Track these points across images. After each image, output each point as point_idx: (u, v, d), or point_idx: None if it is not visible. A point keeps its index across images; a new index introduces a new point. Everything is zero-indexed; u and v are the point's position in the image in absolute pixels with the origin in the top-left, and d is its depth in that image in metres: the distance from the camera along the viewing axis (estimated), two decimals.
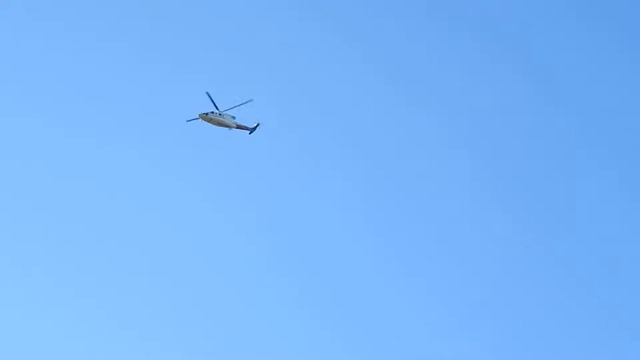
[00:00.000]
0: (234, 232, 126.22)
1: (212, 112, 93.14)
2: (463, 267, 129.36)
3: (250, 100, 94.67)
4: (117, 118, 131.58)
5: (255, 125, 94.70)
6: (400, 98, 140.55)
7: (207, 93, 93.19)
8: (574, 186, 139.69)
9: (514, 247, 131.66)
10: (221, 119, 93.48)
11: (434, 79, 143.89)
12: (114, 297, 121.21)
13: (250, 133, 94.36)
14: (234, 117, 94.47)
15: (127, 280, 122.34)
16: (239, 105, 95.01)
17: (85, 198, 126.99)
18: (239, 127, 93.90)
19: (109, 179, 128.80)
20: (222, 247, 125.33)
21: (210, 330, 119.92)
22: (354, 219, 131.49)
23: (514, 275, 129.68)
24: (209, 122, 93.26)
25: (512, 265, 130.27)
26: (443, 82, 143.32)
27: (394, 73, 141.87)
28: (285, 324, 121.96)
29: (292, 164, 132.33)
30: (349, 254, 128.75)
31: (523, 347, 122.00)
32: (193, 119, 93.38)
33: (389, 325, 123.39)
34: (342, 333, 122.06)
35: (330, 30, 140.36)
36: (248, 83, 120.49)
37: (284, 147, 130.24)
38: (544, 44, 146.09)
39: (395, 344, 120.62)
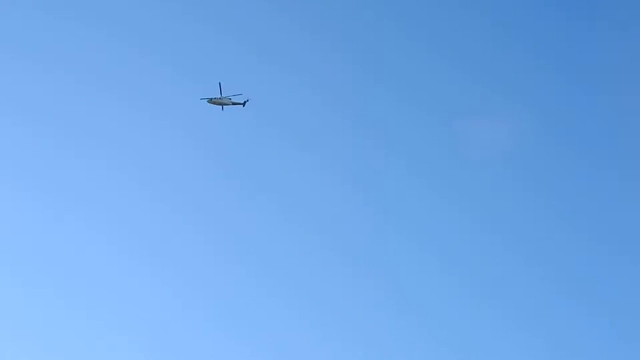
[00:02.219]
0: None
1: (215, 98, 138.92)
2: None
3: (247, 100, 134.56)
4: None
5: (245, 100, 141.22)
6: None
7: (219, 83, 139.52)
8: None
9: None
10: (222, 100, 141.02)
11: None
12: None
13: (243, 106, 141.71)
14: (230, 99, 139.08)
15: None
16: (237, 103, 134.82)
17: None
18: (234, 104, 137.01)
19: None
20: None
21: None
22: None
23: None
24: (213, 103, 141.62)
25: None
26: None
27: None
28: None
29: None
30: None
31: None
32: (205, 99, 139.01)
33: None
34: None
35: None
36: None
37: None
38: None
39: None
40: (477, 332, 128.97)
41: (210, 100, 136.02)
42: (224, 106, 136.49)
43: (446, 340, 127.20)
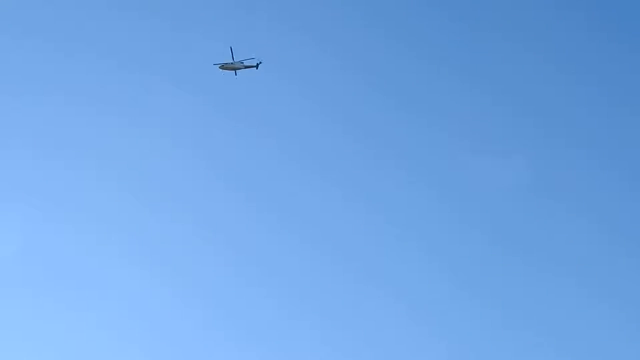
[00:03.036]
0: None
1: (227, 63, 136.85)
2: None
3: (260, 62, 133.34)
4: None
5: (258, 62, 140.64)
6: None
7: (230, 47, 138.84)
8: None
9: None
10: (235, 65, 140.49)
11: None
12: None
13: (256, 68, 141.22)
14: (242, 62, 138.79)
15: None
16: (249, 66, 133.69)
17: None
18: (246, 67, 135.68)
19: None
20: None
21: None
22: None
23: None
24: (226, 69, 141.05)
25: None
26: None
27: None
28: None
29: None
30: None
31: None
32: (217, 64, 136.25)
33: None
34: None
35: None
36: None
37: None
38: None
39: None
40: (481, 336, 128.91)
41: (223, 66, 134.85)
42: (237, 71, 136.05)
43: (451, 343, 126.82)
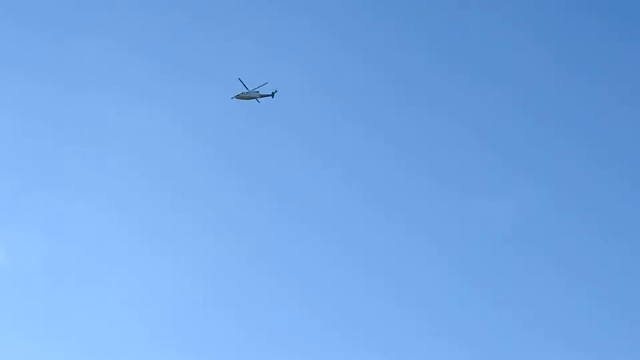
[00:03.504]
0: None
1: (243, 93, 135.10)
2: None
3: (275, 91, 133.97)
4: None
5: (274, 91, 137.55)
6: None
7: (239, 79, 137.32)
8: None
9: None
10: (250, 94, 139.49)
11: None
12: None
13: (272, 97, 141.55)
14: (258, 92, 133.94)
15: None
16: (265, 94, 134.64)
17: None
18: (262, 96, 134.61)
19: None
20: None
21: None
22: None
23: None
24: (243, 98, 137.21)
25: None
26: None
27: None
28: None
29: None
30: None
31: None
32: (234, 97, 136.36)
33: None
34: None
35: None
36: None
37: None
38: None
39: None
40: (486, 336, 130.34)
41: (239, 96, 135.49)
42: (257, 99, 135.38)
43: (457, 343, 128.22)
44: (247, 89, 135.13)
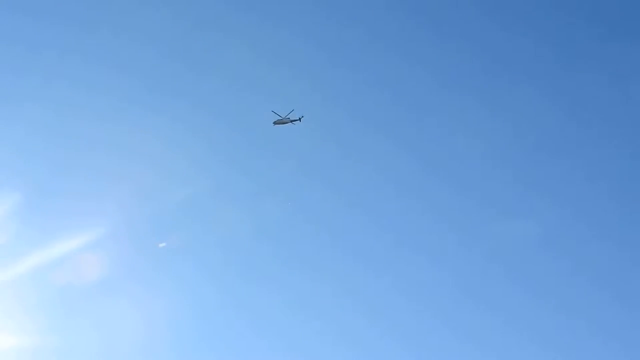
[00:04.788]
0: None
1: (278, 120, 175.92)
2: None
3: (302, 117, 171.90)
4: None
5: (300, 117, 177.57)
6: None
7: (273, 110, 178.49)
8: None
9: None
10: (284, 120, 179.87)
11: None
12: None
13: (299, 121, 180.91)
14: (289, 118, 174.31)
15: None
16: (294, 120, 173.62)
17: None
18: (292, 121, 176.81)
19: None
20: None
21: None
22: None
23: None
24: (278, 124, 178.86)
25: None
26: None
27: None
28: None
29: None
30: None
31: None
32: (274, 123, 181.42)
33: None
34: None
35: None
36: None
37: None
38: None
39: None
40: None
41: (276, 123, 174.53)
42: (290, 123, 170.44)
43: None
44: (280, 116, 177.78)
